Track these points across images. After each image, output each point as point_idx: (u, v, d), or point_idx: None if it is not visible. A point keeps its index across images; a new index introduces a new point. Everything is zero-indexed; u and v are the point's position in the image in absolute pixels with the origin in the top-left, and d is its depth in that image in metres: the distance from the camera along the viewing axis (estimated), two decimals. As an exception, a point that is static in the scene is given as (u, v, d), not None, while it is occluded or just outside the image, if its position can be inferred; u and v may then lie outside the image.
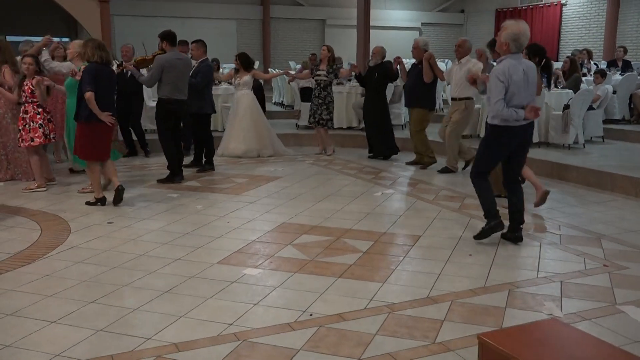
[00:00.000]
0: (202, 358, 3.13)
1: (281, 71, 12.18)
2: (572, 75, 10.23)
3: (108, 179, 6.48)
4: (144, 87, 8.71)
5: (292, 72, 11.52)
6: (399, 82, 9.65)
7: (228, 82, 10.33)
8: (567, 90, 9.58)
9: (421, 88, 8.14)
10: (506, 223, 5.09)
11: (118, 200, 6.11)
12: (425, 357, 3.14)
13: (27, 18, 17.68)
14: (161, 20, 16.95)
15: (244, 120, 8.89)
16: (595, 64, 13.46)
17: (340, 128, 10.77)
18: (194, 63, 8.11)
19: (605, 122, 10.09)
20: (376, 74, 8.78)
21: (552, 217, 5.87)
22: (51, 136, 6.89)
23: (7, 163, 7.28)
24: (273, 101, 14.90)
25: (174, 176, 7.34)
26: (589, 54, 13.56)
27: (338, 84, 10.84)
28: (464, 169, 7.93)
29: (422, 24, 23.18)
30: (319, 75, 8.99)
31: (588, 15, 18.52)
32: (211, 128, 8.77)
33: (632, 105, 11.15)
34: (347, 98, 10.80)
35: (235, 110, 8.93)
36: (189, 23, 18.53)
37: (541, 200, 5.90)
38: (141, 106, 9.19)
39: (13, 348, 3.21)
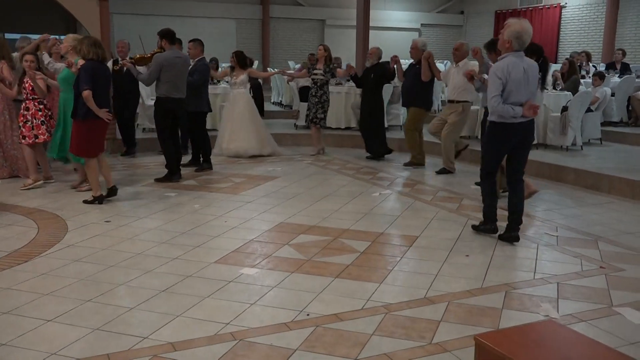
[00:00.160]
0: (198, 357, 3.13)
1: (276, 70, 12.16)
2: (571, 77, 10.24)
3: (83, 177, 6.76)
4: (142, 85, 8.71)
5: (290, 72, 11.52)
6: (397, 83, 9.65)
7: (225, 81, 10.35)
8: (566, 92, 9.59)
9: (418, 88, 8.16)
10: (505, 223, 5.12)
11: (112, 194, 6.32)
12: (421, 358, 3.15)
13: (26, 16, 17.66)
14: (160, 19, 16.93)
15: (243, 118, 8.88)
16: (593, 66, 13.49)
17: (339, 128, 10.78)
18: (190, 62, 8.11)
19: (603, 124, 10.11)
20: (372, 75, 8.79)
21: (549, 218, 5.88)
22: (52, 132, 6.91)
23: (3, 160, 7.27)
24: (272, 101, 14.89)
25: (172, 175, 7.33)
26: (588, 56, 13.58)
27: (337, 84, 10.85)
28: (455, 157, 7.98)
29: (422, 24, 23.18)
30: (315, 74, 8.99)
31: (587, 17, 18.54)
32: (208, 127, 8.77)
33: (630, 108, 11.16)
34: (346, 98, 10.80)
35: (232, 108, 8.91)
36: (189, 22, 18.52)
37: (527, 196, 5.98)
38: (136, 104, 9.14)
39: (9, 347, 3.21)
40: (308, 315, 3.62)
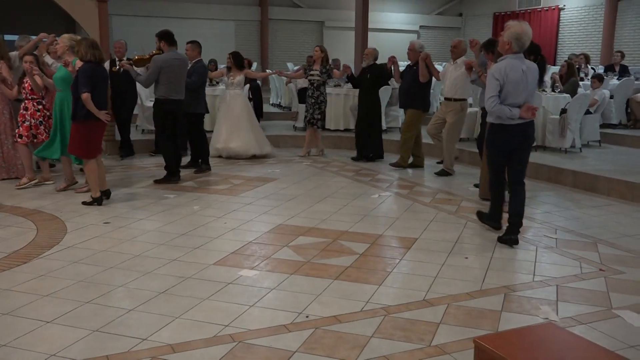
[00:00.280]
0: (197, 359, 3.12)
1: (273, 71, 12.15)
2: (570, 79, 10.24)
3: (72, 179, 6.88)
4: (141, 86, 8.69)
5: (287, 73, 11.51)
6: (395, 84, 9.65)
7: (216, 82, 10.40)
8: (565, 95, 9.60)
9: (415, 89, 8.17)
10: (505, 224, 5.15)
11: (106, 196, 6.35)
12: (421, 360, 3.15)
13: (26, 17, 17.67)
14: (159, 20, 16.92)
15: (242, 119, 8.88)
16: (592, 68, 13.50)
17: (338, 130, 10.78)
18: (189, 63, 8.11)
19: (602, 126, 10.12)
20: (368, 75, 8.80)
21: (548, 220, 5.89)
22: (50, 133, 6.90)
23: (2, 161, 7.25)
24: (270, 102, 14.88)
25: (171, 176, 7.33)
26: (587, 59, 13.60)
27: (335, 85, 10.85)
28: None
29: (420, 27, 23.22)
30: (312, 75, 9.00)
31: (586, 19, 18.57)
32: (206, 128, 8.77)
33: (629, 110, 11.18)
34: (345, 100, 10.79)
35: (229, 109, 8.89)
36: (187, 23, 18.52)
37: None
38: (134, 104, 9.11)
39: (8, 348, 3.20)
40: (307, 317, 3.62)
